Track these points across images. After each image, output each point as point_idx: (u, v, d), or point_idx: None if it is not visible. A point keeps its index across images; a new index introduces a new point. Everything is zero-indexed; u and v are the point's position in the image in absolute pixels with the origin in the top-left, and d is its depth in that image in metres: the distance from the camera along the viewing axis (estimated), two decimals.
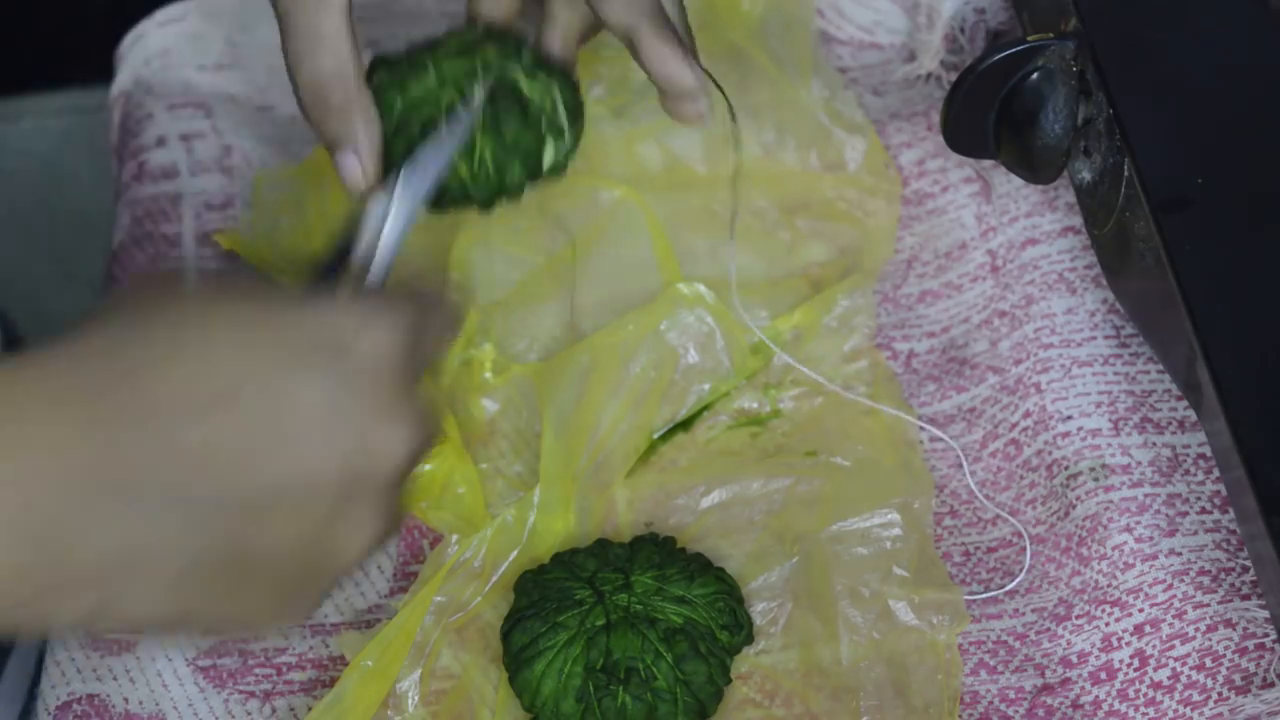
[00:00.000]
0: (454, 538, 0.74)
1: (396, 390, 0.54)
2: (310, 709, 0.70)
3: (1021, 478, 0.75)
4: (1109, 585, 0.70)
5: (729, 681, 0.70)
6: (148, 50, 0.94)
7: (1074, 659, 0.70)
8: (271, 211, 0.84)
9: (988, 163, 0.81)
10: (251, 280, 0.55)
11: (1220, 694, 0.68)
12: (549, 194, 0.85)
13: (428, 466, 0.76)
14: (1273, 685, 0.68)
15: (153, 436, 0.50)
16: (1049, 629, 0.70)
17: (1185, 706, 0.68)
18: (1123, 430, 0.74)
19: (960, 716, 0.69)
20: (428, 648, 0.71)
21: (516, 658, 0.69)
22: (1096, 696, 0.69)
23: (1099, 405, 0.75)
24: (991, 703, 0.69)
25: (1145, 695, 0.68)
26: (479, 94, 0.68)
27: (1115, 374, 0.76)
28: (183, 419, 0.51)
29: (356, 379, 0.53)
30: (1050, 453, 0.75)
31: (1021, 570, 0.73)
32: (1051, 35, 0.73)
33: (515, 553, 0.74)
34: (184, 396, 0.51)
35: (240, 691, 0.72)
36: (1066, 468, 0.74)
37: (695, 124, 0.69)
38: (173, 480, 0.51)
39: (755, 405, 0.79)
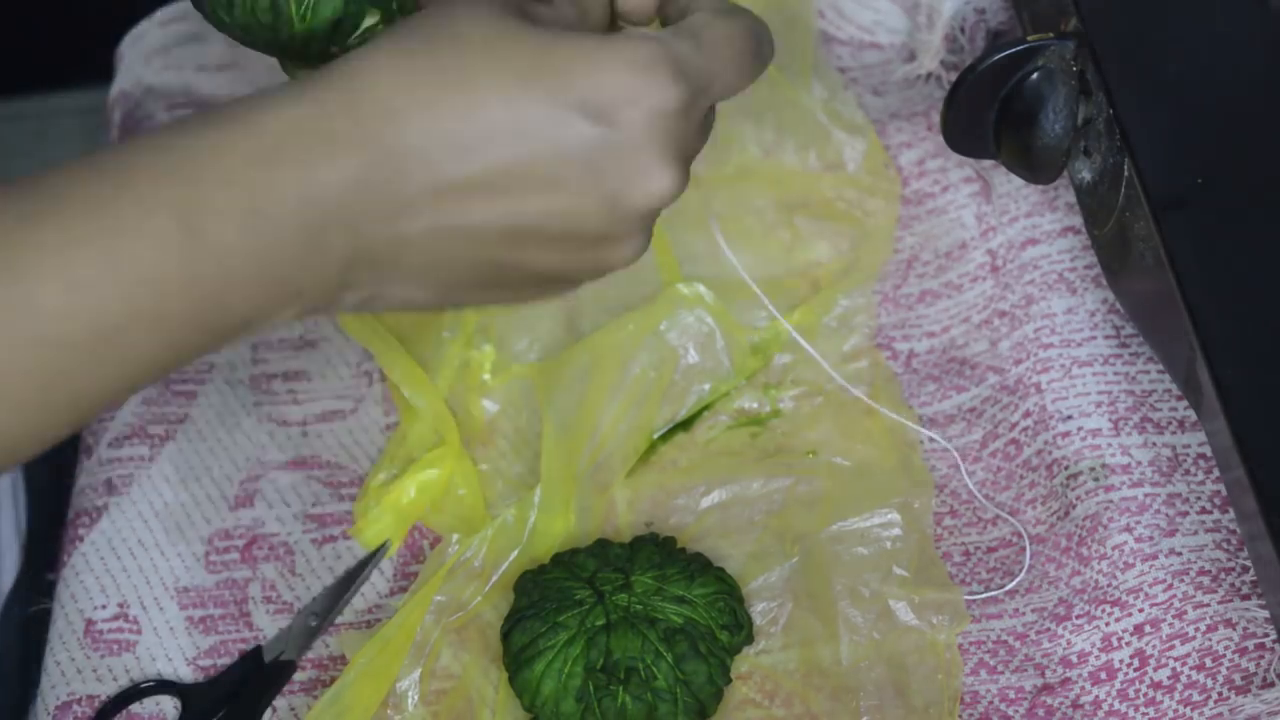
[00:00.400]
0: (454, 537, 0.74)
1: (663, 147, 0.56)
2: (310, 708, 0.70)
3: (1021, 478, 0.75)
4: (1109, 585, 0.70)
5: (729, 681, 0.70)
6: (148, 50, 0.94)
7: (1074, 659, 0.70)
8: None
9: (988, 163, 0.81)
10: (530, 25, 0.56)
11: (1220, 694, 0.68)
12: None
13: (431, 472, 0.76)
14: (1273, 685, 0.68)
15: (421, 170, 0.54)
16: (1049, 629, 0.70)
17: (1185, 706, 0.68)
18: (1123, 430, 0.74)
19: (960, 716, 0.69)
20: (428, 647, 0.71)
21: (516, 658, 0.69)
22: (1096, 696, 0.69)
23: (1099, 405, 0.75)
24: (991, 703, 0.69)
25: (1145, 695, 0.68)
26: None
27: (1115, 374, 0.76)
28: (449, 160, 0.54)
29: (625, 138, 0.55)
30: (1050, 453, 0.75)
31: (1021, 570, 0.73)
32: (1051, 35, 0.73)
33: (515, 553, 0.74)
34: (451, 141, 0.54)
35: None
36: (1066, 468, 0.74)
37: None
38: (437, 209, 0.54)
39: (755, 405, 0.79)
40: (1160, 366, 0.75)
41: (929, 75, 0.88)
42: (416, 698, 0.71)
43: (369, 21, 0.61)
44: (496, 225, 0.55)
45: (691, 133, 0.57)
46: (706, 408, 0.79)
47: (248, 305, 0.53)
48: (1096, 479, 0.73)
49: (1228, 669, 0.68)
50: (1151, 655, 0.69)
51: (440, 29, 0.55)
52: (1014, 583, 0.72)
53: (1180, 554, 0.71)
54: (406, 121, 0.53)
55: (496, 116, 0.54)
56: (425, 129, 0.54)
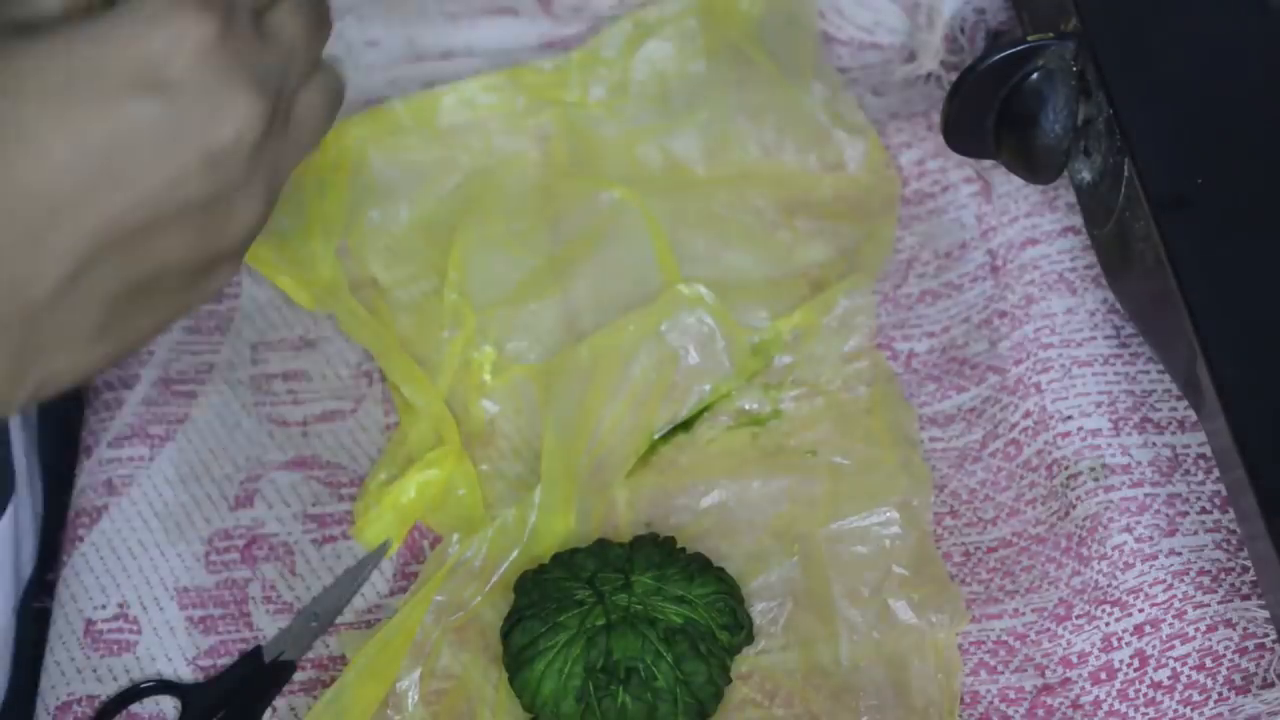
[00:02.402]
0: (454, 537, 0.74)
1: (222, 82, 0.53)
2: (310, 708, 0.70)
3: (1021, 478, 0.75)
4: (1109, 585, 0.70)
5: (729, 681, 0.70)
6: None
7: (1074, 659, 0.70)
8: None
9: (988, 163, 0.81)
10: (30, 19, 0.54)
11: (1220, 694, 0.68)
12: (549, 195, 0.85)
13: (431, 472, 0.76)
14: (1273, 685, 0.68)
15: (8, 218, 0.52)
16: (1049, 629, 0.70)
17: (1185, 706, 0.68)
18: (1123, 430, 0.74)
19: (960, 716, 0.69)
20: (428, 647, 0.71)
21: (516, 658, 0.69)
22: (1096, 696, 0.69)
23: (1099, 405, 0.75)
24: (991, 703, 0.69)
25: (1145, 695, 0.68)
26: None
27: (1115, 374, 0.76)
28: (24, 192, 0.52)
29: (182, 96, 0.53)
30: (1050, 453, 0.74)
31: (1021, 570, 0.73)
32: (1051, 35, 0.73)
33: (515, 553, 0.74)
34: (21, 180, 0.52)
35: None
36: (1066, 468, 0.74)
37: None
38: (52, 266, 0.53)
39: (756, 406, 0.79)
40: (1160, 366, 0.75)
41: (929, 75, 0.88)
42: (416, 698, 0.71)
43: None
44: (111, 237, 0.54)
45: (250, 44, 0.54)
46: (707, 408, 0.79)
47: None
48: (1096, 479, 0.73)
49: (1228, 669, 0.68)
50: (1151, 655, 0.69)
51: None
52: (1014, 583, 0.72)
53: (1180, 554, 0.71)
54: None
55: (52, 142, 0.52)
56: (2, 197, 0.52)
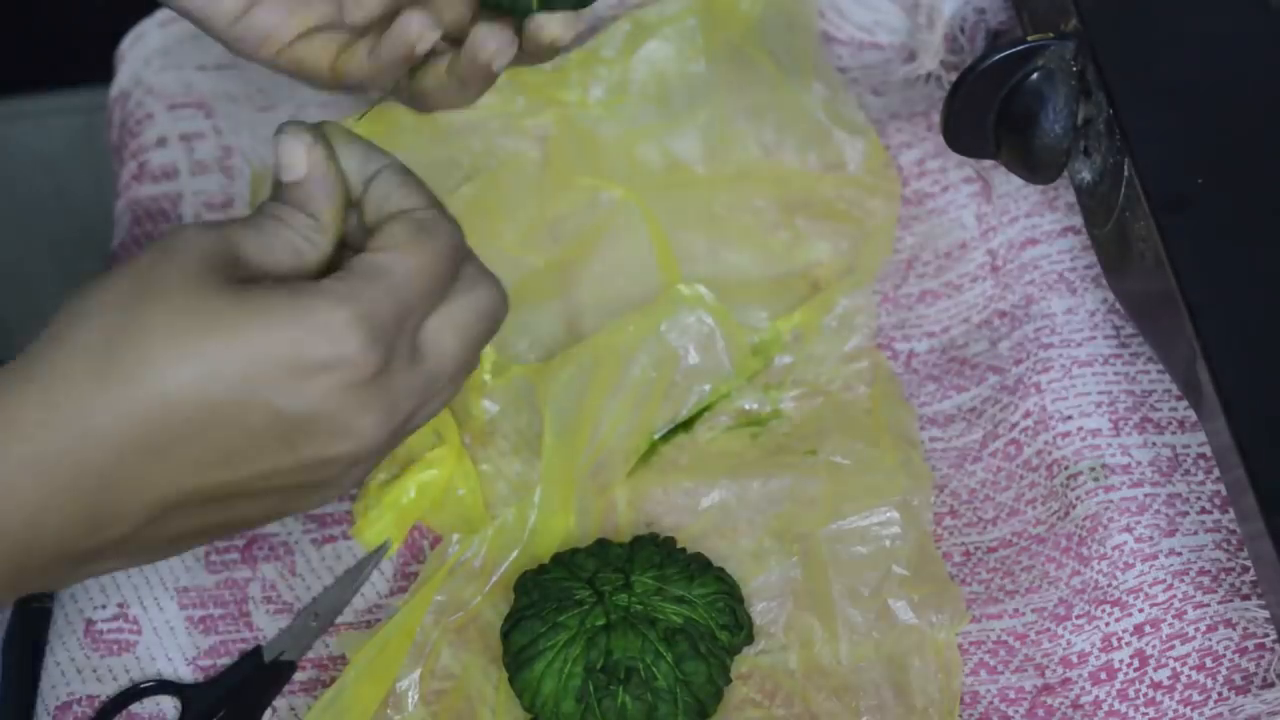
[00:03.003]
0: (454, 537, 0.74)
1: (358, 408, 0.56)
2: (310, 708, 0.70)
3: (1021, 478, 0.75)
4: (1109, 585, 0.70)
5: (729, 681, 0.70)
6: (148, 50, 0.94)
7: (1074, 659, 0.70)
8: None
9: (988, 163, 0.81)
10: (217, 279, 0.55)
11: (1220, 694, 0.68)
12: (549, 195, 0.85)
13: (431, 472, 0.76)
14: (1273, 685, 0.68)
15: (125, 478, 0.54)
16: (1049, 629, 0.70)
17: (1185, 706, 0.68)
18: (1123, 430, 0.74)
19: (960, 716, 0.69)
20: (428, 647, 0.71)
21: (516, 658, 0.69)
22: (1096, 696, 0.69)
23: (1099, 405, 0.75)
24: (991, 703, 0.69)
25: (1145, 695, 0.68)
26: None
27: (1115, 374, 0.76)
28: (147, 459, 0.54)
29: (318, 407, 0.55)
30: (1050, 453, 0.74)
31: (1021, 570, 0.73)
32: (1051, 35, 0.73)
33: (515, 553, 0.74)
34: (144, 435, 0.54)
35: None
36: (1066, 468, 0.74)
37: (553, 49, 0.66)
38: (144, 507, 0.55)
39: (756, 406, 0.79)
40: (1160, 366, 0.75)
41: (929, 75, 0.88)
42: (416, 698, 0.71)
43: None
44: (203, 499, 0.56)
45: (398, 379, 0.57)
46: (707, 408, 0.79)
47: None
48: (1096, 479, 0.73)
49: (1228, 669, 0.68)
50: (1151, 655, 0.69)
51: (132, 303, 0.54)
52: (1014, 583, 0.72)
53: (1180, 554, 0.71)
54: (95, 419, 0.53)
55: (187, 400, 0.54)
56: (116, 424, 0.53)
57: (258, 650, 0.73)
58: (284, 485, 0.57)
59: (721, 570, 0.71)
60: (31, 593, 0.58)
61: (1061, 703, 0.69)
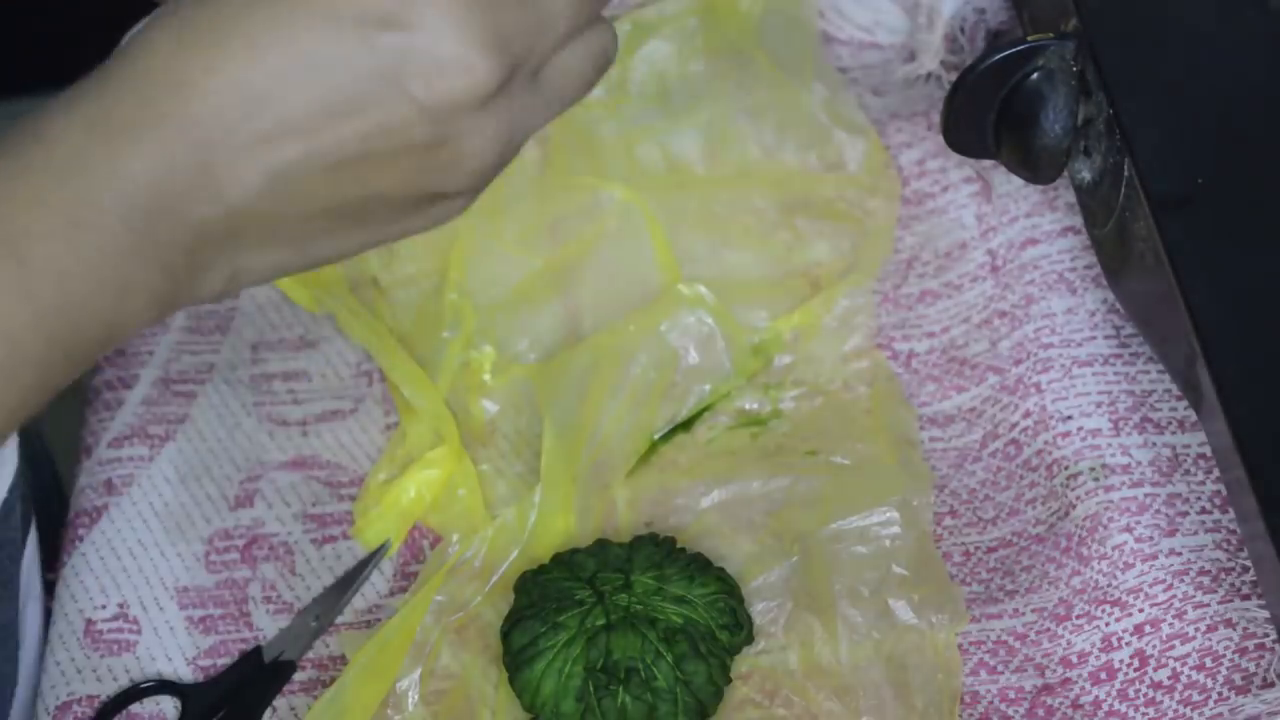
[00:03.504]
0: (455, 537, 0.74)
1: (464, 33, 0.53)
2: (310, 708, 0.70)
3: (1021, 478, 0.75)
4: (1109, 585, 0.70)
5: (729, 681, 0.70)
6: None
7: (1074, 659, 0.70)
8: None
9: (988, 163, 0.81)
10: None
11: (1220, 694, 0.68)
12: (549, 195, 0.85)
13: (431, 472, 0.76)
14: (1273, 685, 0.68)
15: (225, 135, 0.52)
16: (1049, 629, 0.70)
17: (1185, 706, 0.68)
18: (1123, 430, 0.74)
19: (960, 716, 0.69)
20: (428, 647, 0.71)
21: (516, 658, 0.69)
22: (1096, 696, 0.69)
23: (1099, 405, 0.75)
24: (991, 703, 0.69)
25: (1145, 695, 0.68)
26: None
27: (1115, 374, 0.76)
28: (248, 117, 0.52)
29: (419, 38, 0.53)
30: (1050, 453, 0.74)
31: (1021, 570, 0.73)
32: (1051, 35, 0.73)
33: (515, 553, 0.74)
34: (245, 96, 0.52)
35: None
36: (1066, 468, 0.74)
37: None
38: (255, 168, 0.53)
39: (756, 405, 0.79)
40: (1160, 366, 0.75)
41: (929, 75, 0.88)
42: (416, 698, 0.71)
43: None
44: (320, 164, 0.54)
45: (507, 6, 0.54)
46: (707, 408, 0.79)
47: (98, 321, 0.53)
48: (1096, 479, 0.73)
49: (1228, 669, 0.68)
50: (1151, 655, 0.69)
51: (191, 10, 0.53)
52: (1014, 583, 0.72)
53: (1180, 554, 0.71)
54: (194, 90, 0.52)
55: (279, 58, 0.52)
56: (216, 92, 0.52)
57: (258, 650, 0.73)
58: (406, 142, 0.54)
59: (721, 570, 0.71)
60: (192, 292, 0.55)
61: (1061, 703, 0.69)
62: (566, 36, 0.56)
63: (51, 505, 0.83)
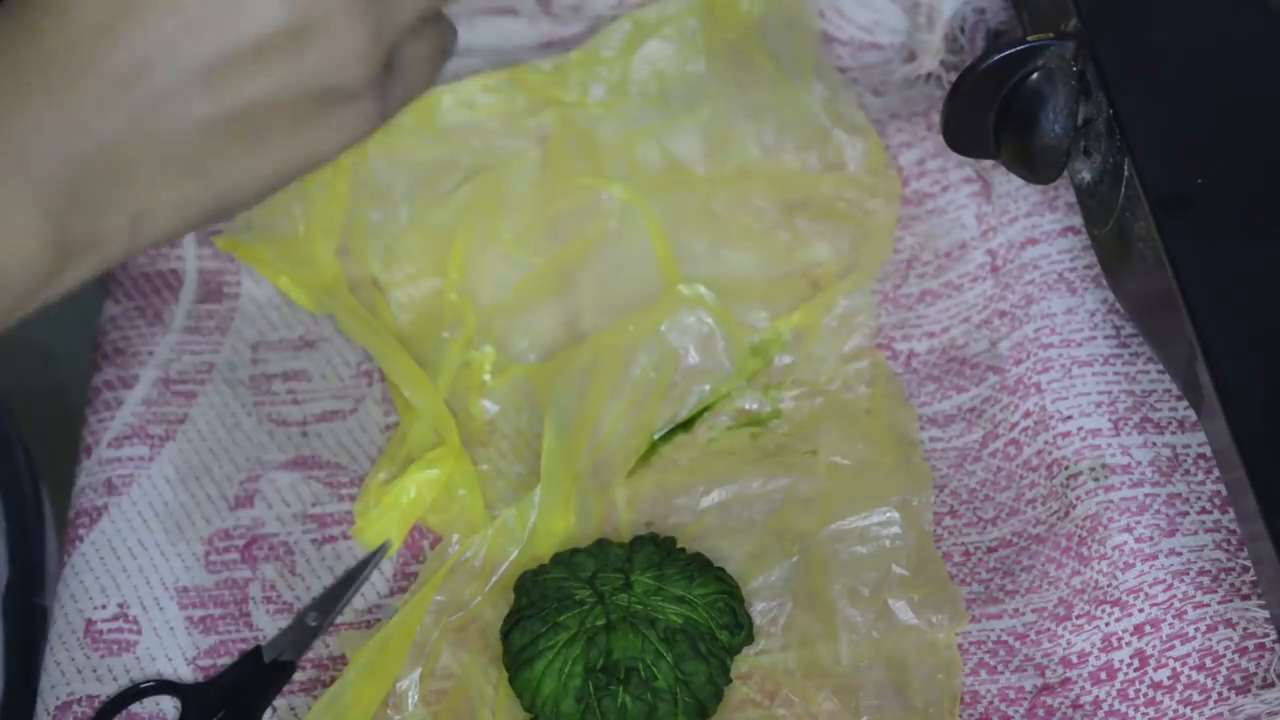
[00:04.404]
0: (455, 537, 0.74)
1: None
2: (310, 709, 0.70)
3: (1021, 478, 0.75)
4: (1109, 585, 0.70)
5: (729, 681, 0.70)
6: None
7: (1074, 659, 0.70)
8: (270, 211, 0.84)
9: (988, 163, 0.81)
10: None
11: (1220, 694, 0.68)
12: (549, 195, 0.85)
13: (431, 472, 0.76)
14: (1273, 685, 0.68)
15: (79, 62, 0.51)
16: (1049, 629, 0.70)
17: (1185, 706, 0.68)
18: (1123, 430, 0.74)
19: (960, 716, 0.69)
20: (428, 647, 0.71)
21: (516, 658, 0.69)
22: (1096, 696, 0.69)
23: (1099, 405, 0.75)
24: (991, 703, 0.69)
25: (1145, 695, 0.68)
26: None
27: (1115, 374, 0.76)
28: (97, 44, 0.51)
29: None
30: (1050, 453, 0.74)
31: (1021, 570, 0.73)
32: (1051, 35, 0.73)
33: (515, 553, 0.74)
34: (91, 23, 0.51)
35: None
36: (1066, 468, 0.74)
37: None
38: (114, 89, 0.52)
39: (756, 406, 0.79)
40: (1160, 366, 0.75)
41: (929, 75, 0.88)
42: (416, 698, 0.71)
43: None
44: (183, 72, 0.52)
45: None
46: (707, 408, 0.79)
47: (27, 274, 0.52)
48: (1096, 479, 0.73)
49: (1228, 669, 0.68)
50: (1151, 655, 0.69)
51: None
52: (1014, 583, 0.72)
53: (1180, 554, 0.71)
54: (47, 24, 0.51)
55: None
56: (68, 24, 0.51)
57: (258, 650, 0.73)
58: (267, 31, 0.52)
59: (721, 570, 0.71)
60: (88, 239, 0.53)
61: (1061, 703, 0.69)
62: (415, 26, 0.56)
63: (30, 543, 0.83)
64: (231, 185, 0.55)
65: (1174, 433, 0.74)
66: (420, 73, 0.57)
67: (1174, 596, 0.70)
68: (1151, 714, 0.68)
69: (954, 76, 0.75)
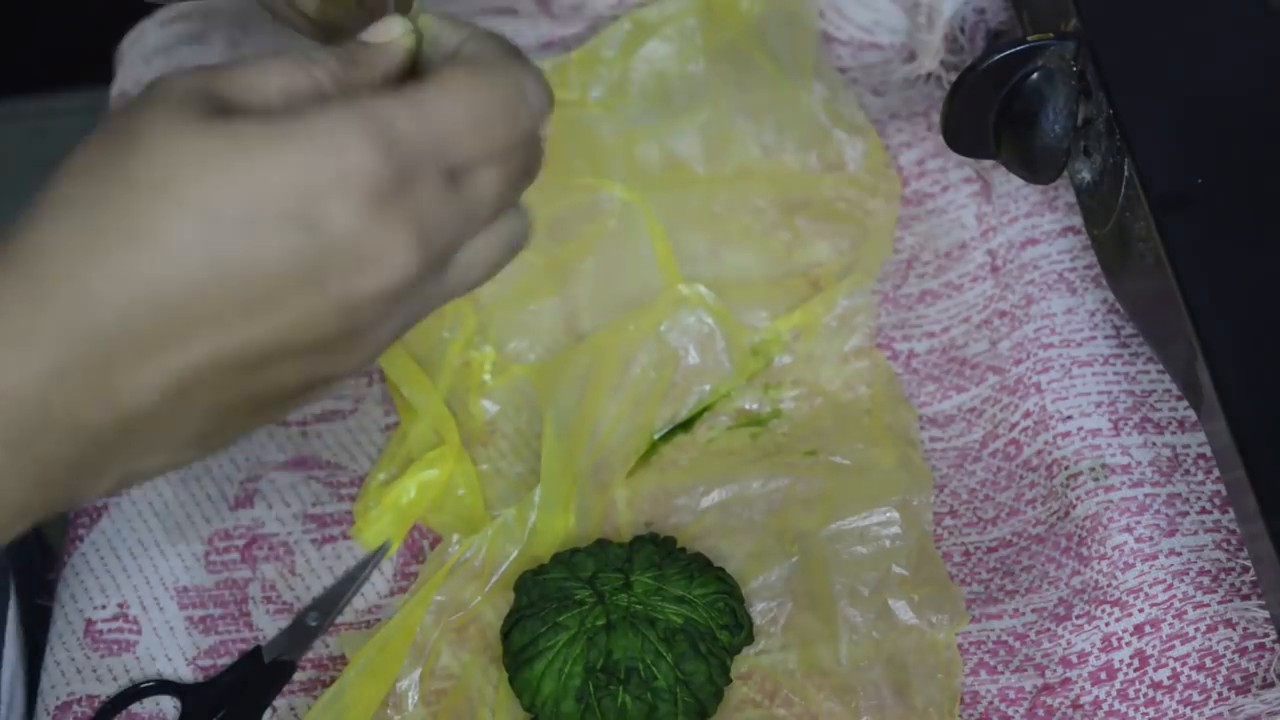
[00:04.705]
0: (455, 537, 0.74)
1: (384, 229, 0.50)
2: (310, 708, 0.70)
3: (1021, 478, 0.75)
4: (1109, 585, 0.70)
5: (729, 681, 0.70)
6: (147, 50, 0.94)
7: (1074, 659, 0.70)
8: None
9: (988, 163, 0.81)
10: (211, 106, 0.49)
11: (1220, 694, 0.68)
12: (549, 195, 0.85)
13: (431, 472, 0.76)
14: (1273, 685, 0.68)
15: (125, 338, 0.49)
16: (1049, 629, 0.70)
17: (1185, 706, 0.68)
18: (1123, 430, 0.74)
19: (960, 716, 0.69)
20: (428, 647, 0.71)
21: (516, 658, 0.69)
22: (1096, 696, 0.69)
23: (1099, 405, 0.75)
24: (991, 703, 0.69)
25: (1145, 695, 0.68)
26: None
27: (1115, 374, 0.76)
28: (150, 316, 0.49)
29: (335, 235, 0.49)
30: (1050, 453, 0.74)
31: (1021, 570, 0.73)
32: (1051, 35, 0.73)
33: (515, 553, 0.74)
34: (147, 294, 0.48)
35: None
36: (1066, 468, 0.74)
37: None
38: (156, 369, 0.49)
39: (755, 406, 0.79)
40: (1160, 366, 0.75)
41: (929, 75, 0.88)
42: (416, 698, 0.71)
43: None
44: (226, 364, 0.50)
45: (430, 199, 0.50)
46: (707, 408, 0.79)
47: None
48: (1096, 479, 0.73)
49: (1228, 669, 0.68)
50: (1151, 655, 0.69)
51: (112, 159, 0.49)
52: (1014, 583, 0.72)
53: (1180, 554, 0.71)
54: (96, 294, 0.48)
55: (188, 253, 0.48)
56: (120, 296, 0.48)
57: (258, 650, 0.73)
58: (317, 338, 0.50)
59: (721, 570, 0.71)
60: (71, 499, 0.51)
61: (1061, 703, 0.69)
62: (486, 224, 0.53)
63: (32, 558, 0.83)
64: (215, 446, 0.53)
65: (1174, 433, 0.74)
66: (477, 273, 0.54)
67: (1174, 596, 0.70)
68: (1151, 714, 0.68)
69: (954, 76, 0.75)
